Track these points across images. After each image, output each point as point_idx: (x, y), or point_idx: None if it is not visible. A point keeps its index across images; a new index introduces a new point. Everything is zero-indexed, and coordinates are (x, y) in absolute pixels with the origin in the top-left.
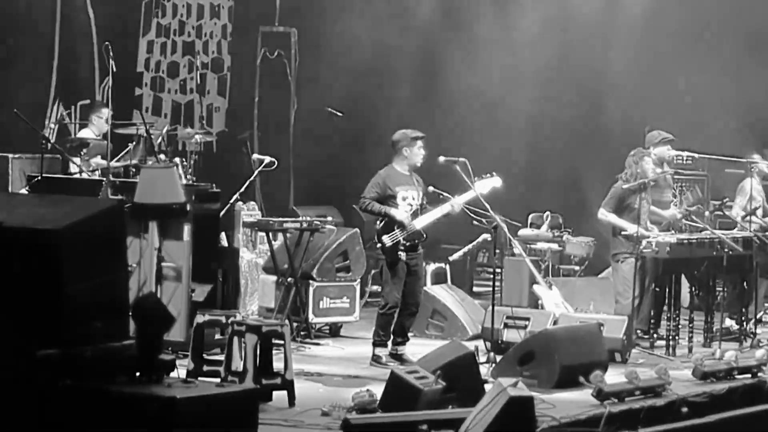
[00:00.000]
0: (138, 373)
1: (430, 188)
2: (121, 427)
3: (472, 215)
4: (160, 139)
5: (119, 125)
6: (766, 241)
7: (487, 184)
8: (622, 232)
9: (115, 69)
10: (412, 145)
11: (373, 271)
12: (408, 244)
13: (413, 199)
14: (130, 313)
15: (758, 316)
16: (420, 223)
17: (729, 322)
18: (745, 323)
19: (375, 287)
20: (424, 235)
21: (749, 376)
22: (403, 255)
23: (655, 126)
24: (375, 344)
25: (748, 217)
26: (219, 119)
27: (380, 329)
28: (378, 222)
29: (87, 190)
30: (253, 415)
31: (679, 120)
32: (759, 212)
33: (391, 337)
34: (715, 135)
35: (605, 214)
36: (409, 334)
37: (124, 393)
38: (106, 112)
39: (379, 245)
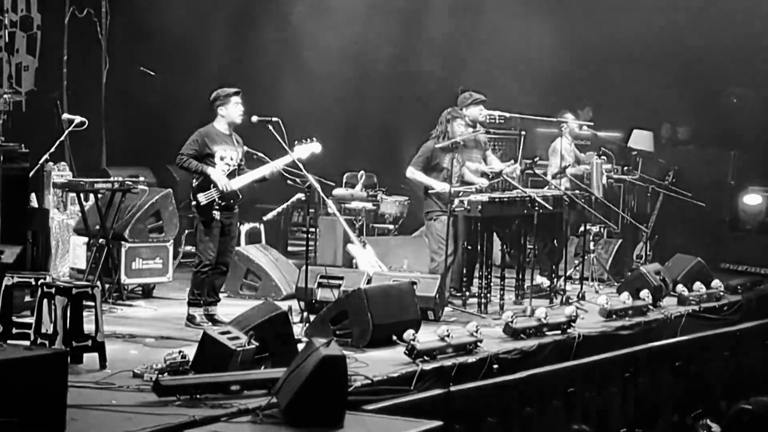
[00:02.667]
0: None
1: (245, 148)
2: None
3: (287, 175)
4: None
5: None
6: (576, 200)
7: (306, 149)
8: (429, 191)
9: None
10: (227, 102)
11: (186, 232)
12: (223, 203)
13: (231, 159)
14: None
15: (568, 273)
16: (237, 183)
17: (540, 280)
18: (555, 280)
19: (188, 248)
20: (240, 196)
21: (559, 332)
22: (217, 214)
23: (469, 85)
24: (190, 304)
25: (558, 176)
26: (28, 78)
27: (195, 288)
28: (194, 180)
29: None
30: (63, 378)
31: (492, 79)
32: (569, 171)
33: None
34: (528, 94)
35: (413, 173)
36: (223, 295)
37: None
38: None
39: (194, 203)
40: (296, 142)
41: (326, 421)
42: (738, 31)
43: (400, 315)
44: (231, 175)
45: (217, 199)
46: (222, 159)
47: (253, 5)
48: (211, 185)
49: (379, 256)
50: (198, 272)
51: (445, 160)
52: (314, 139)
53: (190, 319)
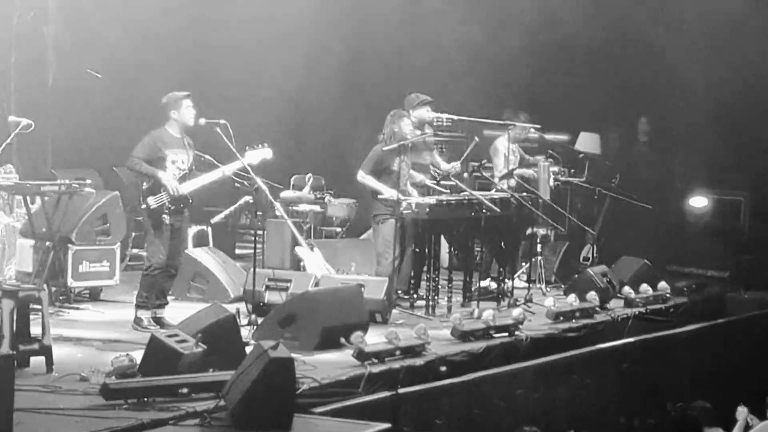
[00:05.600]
0: None
1: (194, 152)
2: None
3: (234, 178)
4: None
5: None
6: (523, 202)
7: (257, 155)
8: (379, 196)
9: None
10: (180, 105)
11: (134, 234)
12: (173, 207)
13: (182, 162)
14: None
15: (515, 276)
16: (187, 187)
17: (487, 282)
18: (502, 283)
19: (135, 250)
20: (190, 200)
21: (506, 334)
22: (167, 218)
23: (416, 88)
24: (138, 306)
25: (506, 178)
26: None
27: (144, 291)
28: (144, 183)
29: None
30: (10, 381)
31: (438, 82)
32: (517, 171)
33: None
34: (475, 96)
35: (364, 177)
36: (170, 297)
37: None
38: None
39: (144, 206)
40: (247, 148)
41: (274, 424)
42: (682, 31)
43: (348, 318)
44: (182, 179)
45: (167, 203)
46: (173, 163)
47: (200, 9)
48: (162, 189)
49: (327, 259)
50: (148, 275)
51: (395, 162)
52: (265, 144)
53: (138, 321)
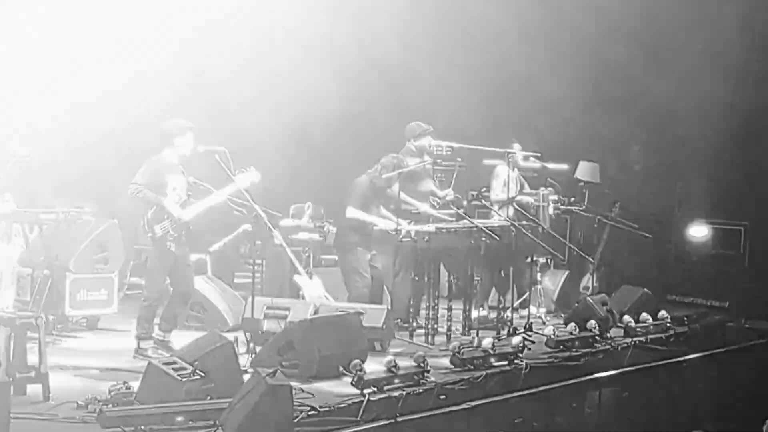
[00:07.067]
0: None
1: (191, 179)
2: None
3: (233, 205)
4: None
5: None
6: (523, 230)
7: (246, 178)
8: (374, 228)
9: None
10: (184, 135)
11: (132, 263)
12: (176, 235)
13: (181, 189)
14: None
15: (515, 304)
16: (188, 214)
17: (486, 311)
18: (502, 311)
19: (134, 279)
20: (190, 226)
21: (506, 363)
22: (173, 246)
23: (415, 116)
24: (140, 338)
25: (505, 205)
26: None
27: (145, 322)
28: (149, 211)
29: None
30: (6, 409)
31: (438, 110)
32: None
33: (161, 323)
34: (474, 125)
35: (352, 212)
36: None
37: None
38: None
39: (150, 234)
40: (237, 171)
41: None
42: (682, 59)
43: (347, 346)
44: (182, 206)
45: (170, 231)
46: (174, 189)
47: (199, 37)
48: (166, 216)
49: (326, 288)
50: (148, 306)
51: (382, 195)
52: (252, 168)
53: (141, 352)
